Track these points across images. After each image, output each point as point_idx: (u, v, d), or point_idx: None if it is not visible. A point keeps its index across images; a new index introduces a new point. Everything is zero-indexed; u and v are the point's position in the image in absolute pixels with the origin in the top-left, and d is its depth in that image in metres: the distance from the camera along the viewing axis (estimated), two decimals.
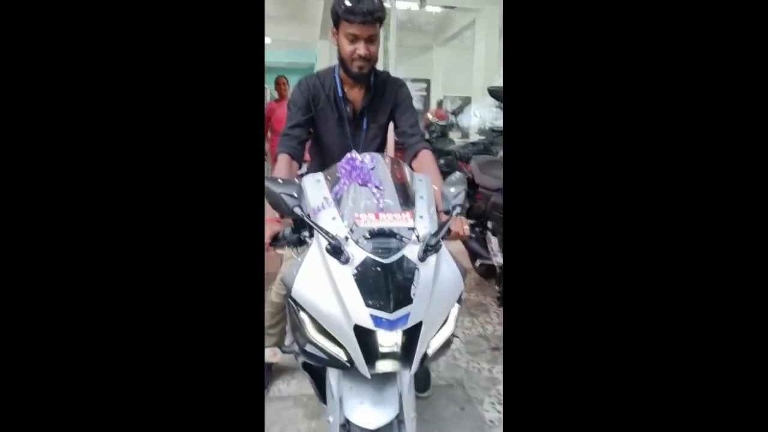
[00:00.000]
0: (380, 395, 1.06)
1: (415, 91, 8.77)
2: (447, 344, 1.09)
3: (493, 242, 2.86)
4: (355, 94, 1.64)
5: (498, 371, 2.17)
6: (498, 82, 4.68)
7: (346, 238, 1.01)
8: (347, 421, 1.07)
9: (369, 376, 0.99)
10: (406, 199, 1.13)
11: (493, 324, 2.65)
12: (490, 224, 2.91)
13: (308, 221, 1.05)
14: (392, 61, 5.19)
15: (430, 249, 1.01)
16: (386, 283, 0.97)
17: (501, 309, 2.86)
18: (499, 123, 3.93)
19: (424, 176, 1.23)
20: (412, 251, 1.02)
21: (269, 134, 4.68)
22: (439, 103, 5.89)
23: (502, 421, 1.88)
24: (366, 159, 1.16)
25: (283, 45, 8.75)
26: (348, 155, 1.18)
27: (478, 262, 3.15)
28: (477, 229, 2.99)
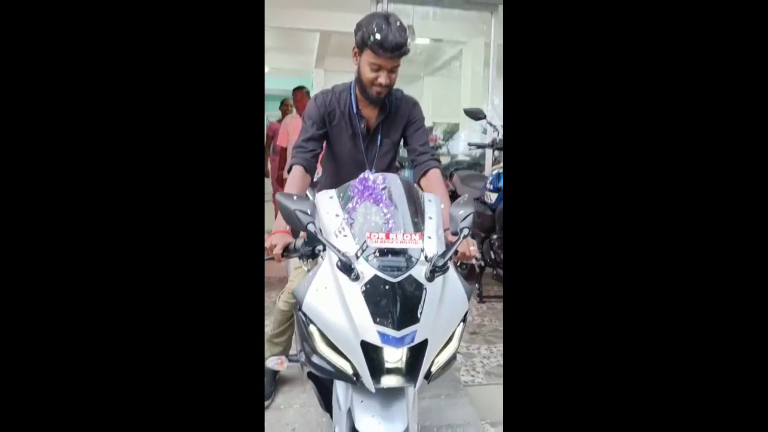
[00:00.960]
0: (389, 410, 1.07)
1: None
2: (450, 361, 1.11)
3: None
4: (370, 112, 1.68)
5: (474, 348, 2.53)
6: (483, 107, 5.07)
7: (357, 256, 1.03)
8: None
9: (374, 390, 1.01)
10: (416, 220, 1.15)
11: (471, 315, 2.97)
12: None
13: (320, 238, 1.07)
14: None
15: (437, 270, 1.02)
16: (394, 301, 0.99)
17: (480, 304, 3.18)
18: (476, 140, 4.26)
19: (434, 197, 1.24)
20: (419, 271, 1.03)
21: (270, 152, 4.80)
22: (430, 129, 6.25)
23: (474, 382, 2.20)
24: (379, 179, 1.19)
25: (281, 73, 9.22)
26: (362, 175, 1.21)
27: (459, 262, 3.49)
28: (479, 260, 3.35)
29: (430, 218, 1.15)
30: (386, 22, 1.47)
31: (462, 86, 7.88)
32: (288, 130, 4.06)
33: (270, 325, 1.93)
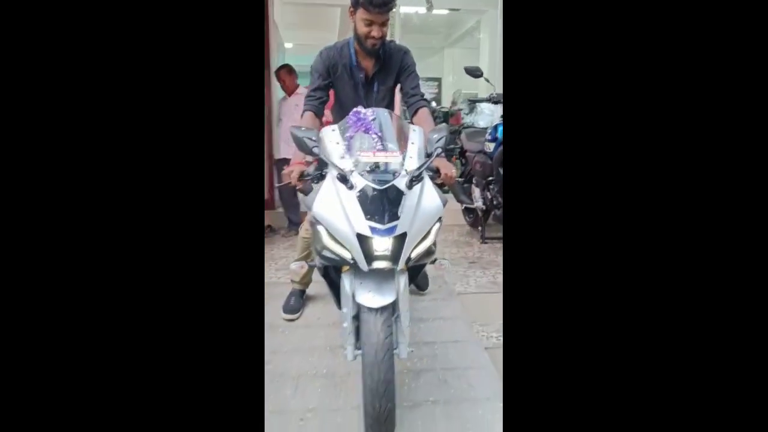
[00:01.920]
0: (381, 287, 1.34)
1: (428, 89, 9.44)
2: (428, 253, 1.41)
3: (475, 192, 3.57)
4: (367, 63, 1.97)
5: (471, 272, 2.95)
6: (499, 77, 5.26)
7: (351, 171, 1.32)
8: (357, 314, 1.37)
9: (367, 270, 1.30)
10: (400, 144, 1.43)
11: (473, 251, 3.37)
12: (474, 179, 3.62)
13: (323, 157, 1.38)
14: None
15: (414, 180, 1.33)
16: (380, 203, 1.28)
17: (482, 244, 3.57)
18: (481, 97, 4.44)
19: (418, 127, 1.54)
20: (401, 182, 1.32)
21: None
22: (455, 111, 6.33)
23: (466, 292, 2.61)
24: (368, 112, 1.48)
25: (305, 49, 9.59)
26: (354, 109, 1.50)
27: (463, 206, 3.89)
28: (464, 183, 3.72)
29: (413, 143, 1.44)
30: None
31: (481, 56, 8.07)
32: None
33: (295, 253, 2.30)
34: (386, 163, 1.36)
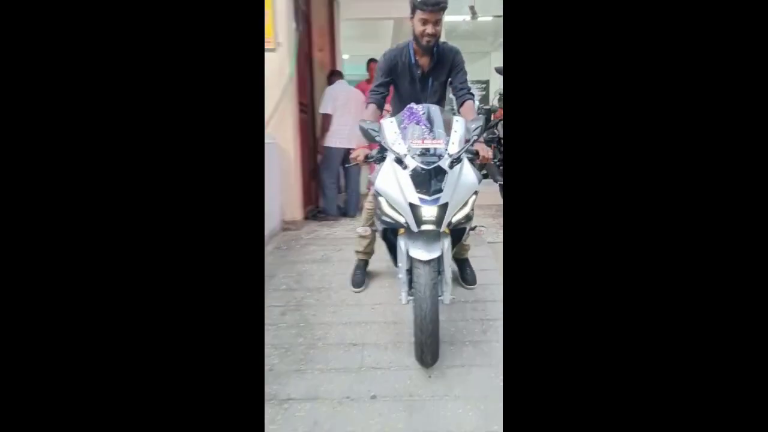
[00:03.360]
0: (429, 245, 1.74)
1: (476, 91, 9.97)
2: (467, 219, 1.83)
3: None
4: (424, 61, 2.29)
5: (491, 226, 3.61)
6: None
7: (405, 155, 1.74)
8: (410, 268, 1.76)
9: (417, 231, 1.71)
10: (445, 132, 1.82)
11: (500, 213, 4.05)
12: None
13: (383, 143, 1.84)
14: None
15: (454, 161, 1.74)
16: (428, 180, 1.69)
17: None
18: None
19: (461, 118, 1.93)
20: (444, 163, 1.72)
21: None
22: (499, 100, 6.76)
23: (495, 241, 3.22)
24: (419, 107, 1.89)
25: (360, 59, 10.38)
26: (408, 105, 1.91)
27: (498, 183, 4.48)
28: (500, 166, 4.31)
29: (455, 131, 1.85)
30: None
31: None
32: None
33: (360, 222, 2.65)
34: (434, 148, 1.76)
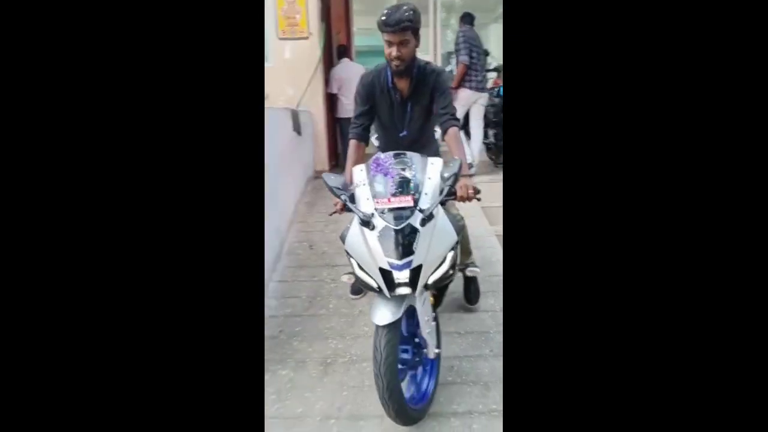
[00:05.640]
0: (388, 308, 1.57)
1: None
2: (446, 276, 1.62)
3: (490, 132, 5.28)
4: (402, 84, 2.03)
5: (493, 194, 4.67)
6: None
7: (372, 214, 1.55)
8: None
9: (389, 297, 1.55)
10: (419, 180, 1.62)
11: (489, 176, 5.12)
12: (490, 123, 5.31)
13: (348, 205, 1.60)
14: (438, 37, 7.45)
15: (426, 219, 1.52)
16: (397, 242, 1.51)
17: (495, 167, 5.29)
18: None
19: (437, 159, 1.73)
20: (415, 219, 1.53)
21: None
22: (498, 72, 7.19)
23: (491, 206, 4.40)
24: (386, 157, 1.68)
25: (368, 32, 11.21)
26: (375, 156, 1.72)
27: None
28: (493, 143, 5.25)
29: (429, 178, 1.63)
30: (396, 7, 1.82)
31: None
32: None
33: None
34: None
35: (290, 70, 4.93)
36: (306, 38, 4.87)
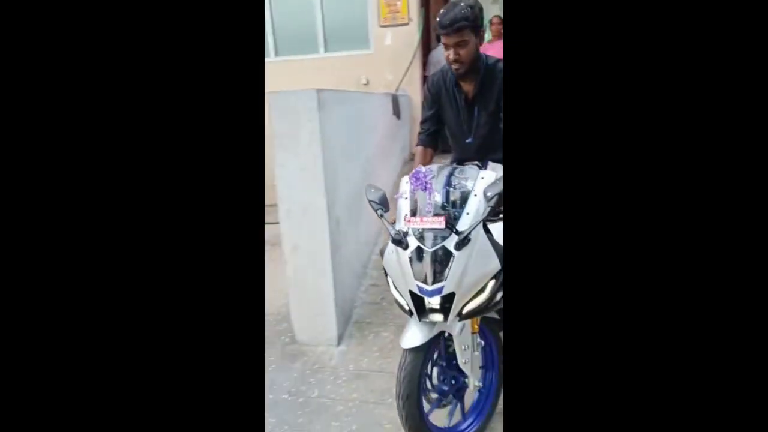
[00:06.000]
0: (418, 329, 1.48)
1: None
2: (485, 307, 1.44)
3: None
4: (468, 85, 1.81)
5: None
6: None
7: (406, 233, 1.42)
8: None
9: (419, 321, 1.45)
10: (454, 203, 1.44)
11: None
12: None
13: (383, 222, 1.50)
14: None
15: (462, 242, 1.35)
16: (429, 265, 1.38)
17: None
18: None
19: (489, 173, 1.46)
20: (451, 242, 1.37)
21: None
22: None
23: None
24: (426, 171, 1.51)
25: None
26: (415, 169, 1.52)
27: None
28: None
29: (475, 195, 1.43)
30: (453, 4, 1.66)
31: None
32: None
33: None
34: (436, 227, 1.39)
35: (390, 56, 5.17)
36: (406, 24, 5.06)
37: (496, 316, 1.65)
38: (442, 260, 1.39)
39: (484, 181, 1.46)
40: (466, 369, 1.56)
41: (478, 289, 1.42)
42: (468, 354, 1.54)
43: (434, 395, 1.63)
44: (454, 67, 1.75)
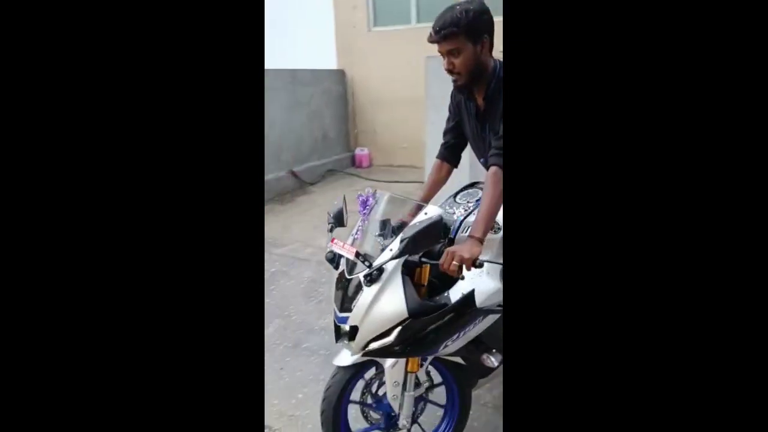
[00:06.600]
0: (349, 352, 1.42)
1: None
2: (396, 352, 1.34)
3: None
4: (479, 97, 1.55)
5: None
6: None
7: (342, 256, 1.38)
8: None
9: (335, 342, 1.39)
10: (389, 232, 1.39)
11: None
12: None
13: (329, 236, 1.42)
14: None
15: (369, 278, 1.28)
16: (341, 292, 1.37)
17: None
18: None
19: (433, 209, 1.34)
20: (360, 274, 1.32)
21: None
22: None
23: None
24: (370, 197, 1.43)
25: None
26: (361, 195, 1.42)
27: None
28: None
29: (409, 230, 1.30)
30: (448, 8, 1.42)
31: None
32: None
33: None
34: (347, 254, 1.33)
35: None
36: None
37: (461, 361, 1.52)
38: (355, 291, 1.35)
39: (417, 218, 1.37)
40: (393, 404, 1.49)
41: (382, 331, 1.33)
42: (398, 390, 1.46)
43: (376, 415, 1.62)
44: (452, 78, 1.50)
